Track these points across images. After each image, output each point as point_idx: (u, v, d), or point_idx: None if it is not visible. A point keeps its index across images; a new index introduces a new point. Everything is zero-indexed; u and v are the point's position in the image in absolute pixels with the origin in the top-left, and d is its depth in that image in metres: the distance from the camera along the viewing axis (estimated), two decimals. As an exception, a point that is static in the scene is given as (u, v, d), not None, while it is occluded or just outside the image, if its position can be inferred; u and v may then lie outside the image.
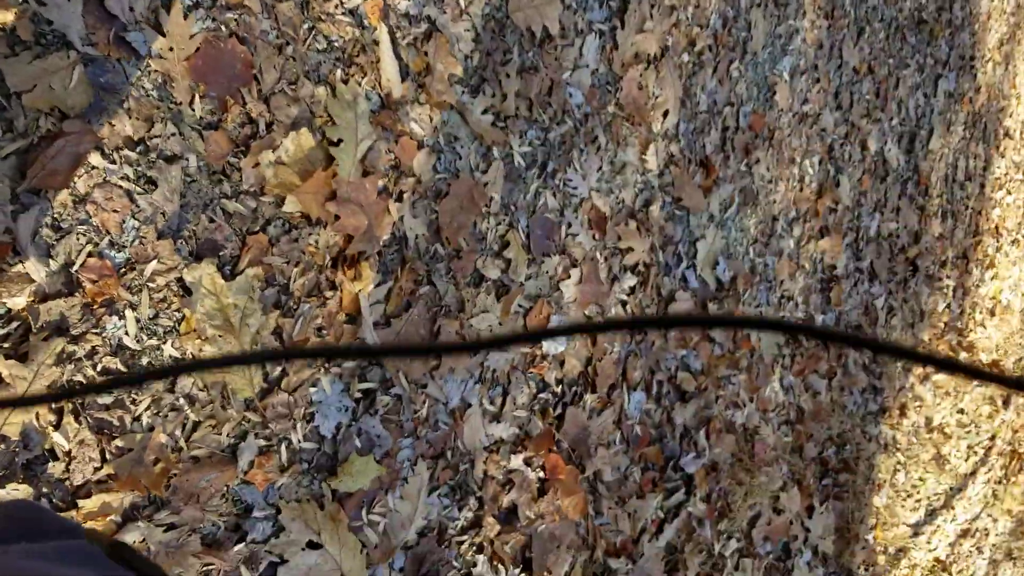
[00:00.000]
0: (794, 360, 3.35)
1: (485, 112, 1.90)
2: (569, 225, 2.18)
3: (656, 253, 2.50)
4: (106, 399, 1.37)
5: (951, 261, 4.97)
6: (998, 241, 5.55)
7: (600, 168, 2.25)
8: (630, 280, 2.39)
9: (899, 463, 4.40)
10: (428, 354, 0.37)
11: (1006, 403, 5.22)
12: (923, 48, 4.30)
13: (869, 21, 3.69)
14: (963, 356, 5.05)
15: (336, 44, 1.60)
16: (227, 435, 1.54)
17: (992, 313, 5.45)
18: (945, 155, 4.75)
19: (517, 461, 2.09)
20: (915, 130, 4.33)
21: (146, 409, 1.42)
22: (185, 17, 1.38)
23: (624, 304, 2.38)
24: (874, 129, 3.89)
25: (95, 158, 1.31)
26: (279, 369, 1.61)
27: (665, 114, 2.45)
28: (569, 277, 2.18)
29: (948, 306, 4.95)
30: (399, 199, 1.76)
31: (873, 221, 3.96)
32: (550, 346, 2.15)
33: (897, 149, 4.15)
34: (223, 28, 1.43)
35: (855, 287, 3.87)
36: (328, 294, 1.66)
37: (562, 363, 2.20)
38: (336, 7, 1.59)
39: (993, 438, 5.11)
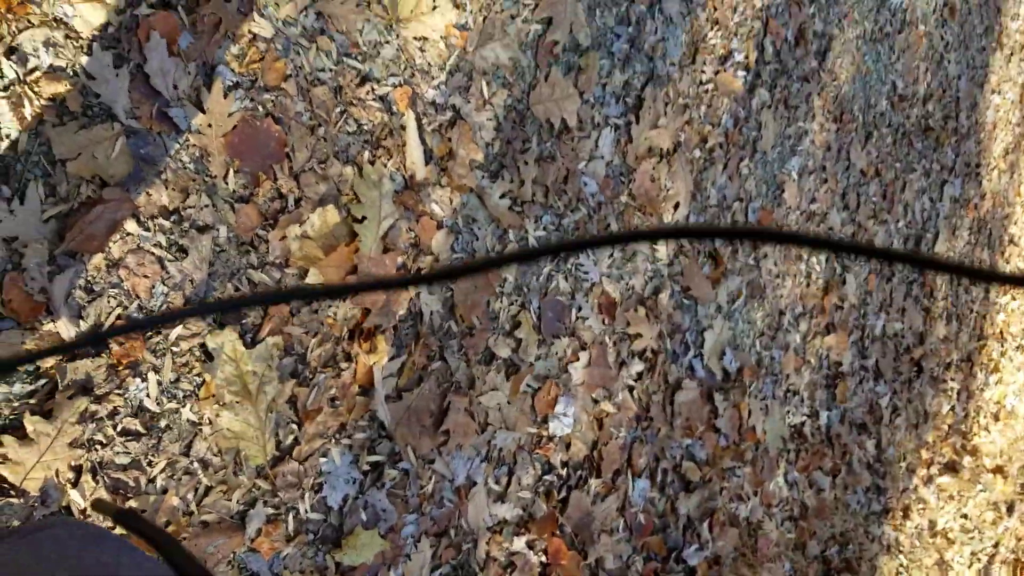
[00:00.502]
0: (799, 455, 3.35)
1: (503, 197, 1.97)
2: (579, 309, 2.22)
3: (664, 340, 2.54)
4: (124, 459, 1.40)
5: (956, 364, 4.99)
6: (1003, 346, 5.58)
7: (612, 255, 2.31)
8: (638, 366, 2.43)
9: (902, 566, 4.34)
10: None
11: (1010, 510, 5.16)
12: (929, 154, 4.42)
13: (877, 126, 3.81)
14: (967, 460, 5.02)
15: (365, 127, 1.68)
16: (237, 502, 1.56)
17: (996, 418, 5.43)
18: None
19: (520, 543, 2.09)
20: (921, 233, 4.41)
21: (161, 471, 1.44)
22: (225, 96, 1.46)
23: (631, 389, 2.41)
24: (880, 230, 3.97)
25: (131, 225, 1.37)
26: (292, 437, 1.63)
27: (676, 206, 2.53)
28: (578, 360, 2.22)
29: (952, 408, 4.95)
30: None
31: (879, 320, 4.00)
32: (556, 427, 2.17)
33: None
34: (260, 108, 1.51)
35: (860, 385, 3.89)
36: (343, 365, 1.70)
37: (568, 445, 2.22)
38: (367, 93, 1.68)
39: (996, 545, 5.04)
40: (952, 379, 4.92)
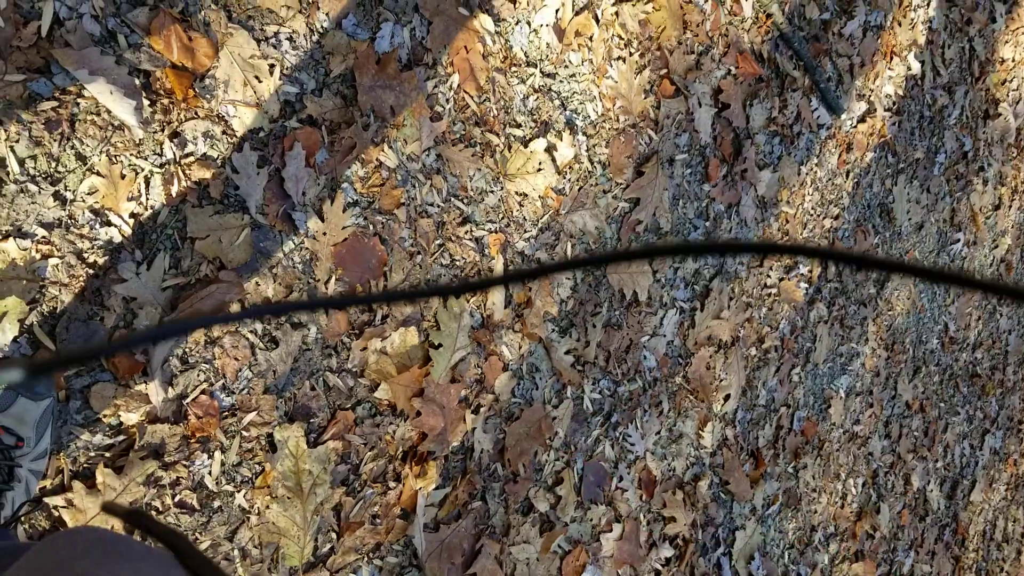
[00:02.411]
0: None
1: (568, 353, 2.05)
2: (620, 479, 2.24)
3: (697, 531, 2.52)
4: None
5: (983, 623, 4.78)
6: (1033, 614, 5.34)
7: (659, 432, 2.35)
8: (667, 551, 2.41)
9: None
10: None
11: None
12: (974, 401, 4.44)
13: (926, 362, 3.87)
14: None
15: (458, 262, 1.80)
16: (265, 598, 1.56)
17: None
18: (985, 511, 4.72)
19: None
20: (958, 477, 4.36)
21: (204, 551, 1.47)
22: (344, 210, 1.59)
23: (658, 574, 2.38)
24: (919, 466, 3.94)
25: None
26: (329, 546, 1.65)
27: (726, 398, 2.58)
28: (611, 531, 2.22)
29: (977, 671, 4.70)
30: (476, 411, 1.87)
31: (908, 558, 3.91)
32: (580, 595, 2.14)
33: (939, 492, 4.17)
34: (371, 227, 1.64)
35: (883, 623, 3.75)
36: (392, 484, 1.73)
37: (588, 616, 2.18)
38: (466, 233, 1.81)
39: None
40: (977, 639, 4.70)
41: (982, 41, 3.87)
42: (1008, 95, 4.21)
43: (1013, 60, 4.15)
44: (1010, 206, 4.45)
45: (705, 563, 2.58)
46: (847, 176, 3.06)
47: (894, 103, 3.28)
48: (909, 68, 3.33)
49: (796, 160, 2.77)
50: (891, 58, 3.21)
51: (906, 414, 3.78)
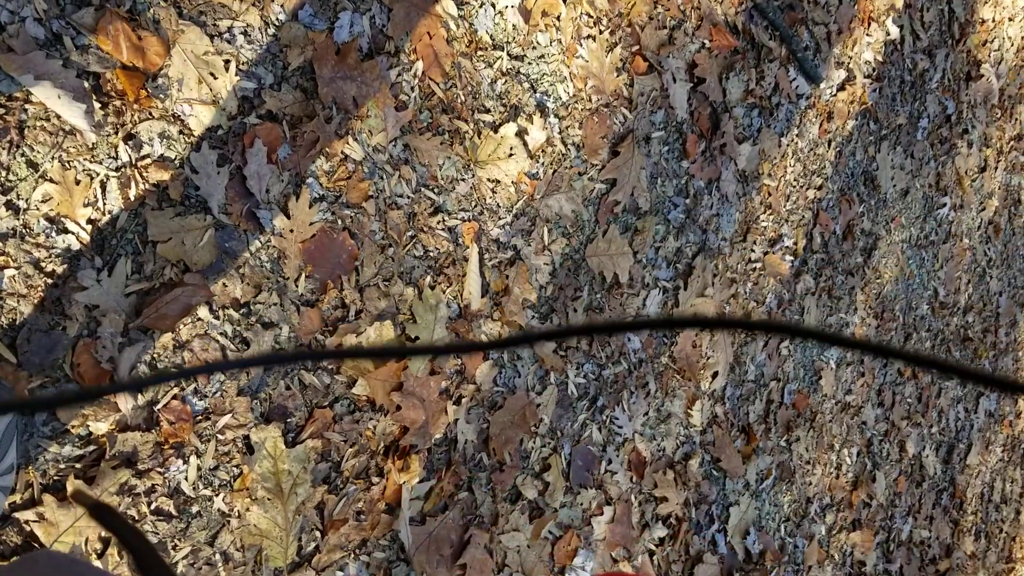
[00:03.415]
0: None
1: (550, 339, 2.03)
2: (609, 462, 2.23)
3: (690, 509, 2.51)
4: (151, 539, 1.42)
5: (984, 584, 4.80)
6: (1034, 573, 5.36)
7: (647, 413, 2.34)
8: (660, 531, 2.40)
9: None
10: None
11: None
12: (967, 364, 4.43)
13: (917, 328, 3.86)
14: None
15: (431, 254, 1.77)
16: (249, 601, 1.55)
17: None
18: (982, 473, 4.73)
19: None
20: (954, 442, 4.37)
21: (184, 557, 1.45)
22: (310, 206, 1.56)
23: (652, 554, 2.37)
24: (914, 433, 3.94)
25: (203, 311, 1.45)
26: (313, 545, 1.64)
27: (714, 375, 2.56)
28: (602, 514, 2.21)
29: (978, 633, 4.72)
30: (457, 403, 1.85)
31: (906, 525, 3.91)
32: (573, 580, 2.13)
33: (935, 457, 4.17)
34: (339, 222, 1.61)
35: (883, 590, 3.76)
36: (375, 480, 1.72)
37: (582, 601, 2.17)
38: (438, 223, 1.78)
39: None
40: (979, 601, 4.72)
41: (961, 2, 3.84)
42: (990, 56, 4.17)
43: (993, 20, 4.12)
44: (996, 167, 4.43)
45: (700, 540, 2.58)
46: (829, 145, 3.03)
47: (874, 69, 3.24)
48: (888, 33, 3.29)
49: (776, 132, 2.74)
50: (869, 24, 3.18)
51: (899, 381, 3.77)
